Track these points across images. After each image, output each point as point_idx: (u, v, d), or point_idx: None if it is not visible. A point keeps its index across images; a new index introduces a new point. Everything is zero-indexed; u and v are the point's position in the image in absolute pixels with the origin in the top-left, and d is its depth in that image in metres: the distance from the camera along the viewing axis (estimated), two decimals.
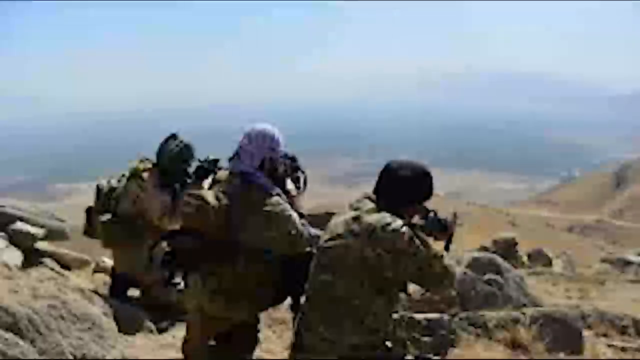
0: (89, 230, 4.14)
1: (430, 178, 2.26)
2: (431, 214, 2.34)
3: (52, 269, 4.97)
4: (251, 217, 2.39)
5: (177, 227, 2.54)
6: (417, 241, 2.07)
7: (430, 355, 3.52)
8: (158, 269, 2.58)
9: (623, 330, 4.76)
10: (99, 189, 4.06)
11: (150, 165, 3.96)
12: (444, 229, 2.33)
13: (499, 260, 4.86)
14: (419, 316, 3.72)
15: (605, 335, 4.60)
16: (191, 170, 3.63)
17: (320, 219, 2.91)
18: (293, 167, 2.77)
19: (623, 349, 4.30)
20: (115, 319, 3.48)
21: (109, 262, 5.42)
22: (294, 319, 2.50)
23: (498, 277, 4.57)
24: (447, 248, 2.31)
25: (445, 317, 3.79)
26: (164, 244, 2.50)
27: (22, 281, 3.32)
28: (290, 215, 2.45)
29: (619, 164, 77.95)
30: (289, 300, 2.67)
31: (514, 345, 3.63)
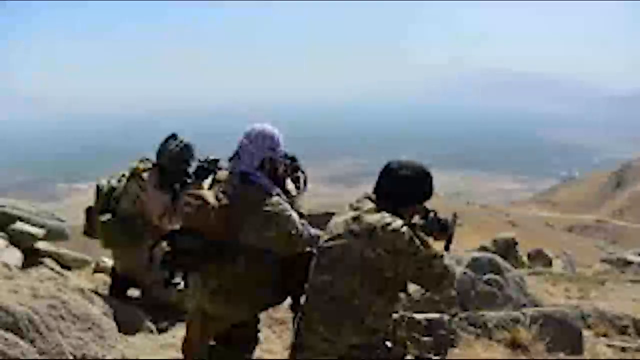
0: (89, 230, 4.13)
1: (431, 178, 2.26)
2: (431, 214, 2.34)
3: (52, 269, 4.96)
4: (251, 217, 2.39)
5: (177, 227, 2.54)
6: (417, 241, 2.07)
7: (430, 355, 3.52)
8: (158, 269, 2.58)
9: (623, 330, 4.76)
10: (99, 189, 4.06)
11: (150, 165, 3.96)
12: (444, 229, 2.33)
13: (499, 260, 4.85)
14: (419, 316, 3.71)
15: (605, 335, 4.60)
16: (191, 170, 3.63)
17: (320, 219, 2.92)
18: (293, 167, 2.78)
19: (623, 349, 4.30)
20: (115, 319, 3.48)
21: (109, 262, 5.41)
22: (294, 319, 2.50)
23: (498, 277, 4.56)
24: (447, 248, 2.31)
25: (445, 317, 3.79)
26: (164, 244, 2.50)
27: (22, 281, 3.32)
28: (290, 215, 2.45)
29: (619, 164, 77.90)
30: (289, 300, 2.67)
31: (514, 345, 3.63)
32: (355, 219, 2.12)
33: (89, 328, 3.05)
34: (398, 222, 2.06)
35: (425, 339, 3.60)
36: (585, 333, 4.25)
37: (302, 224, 2.50)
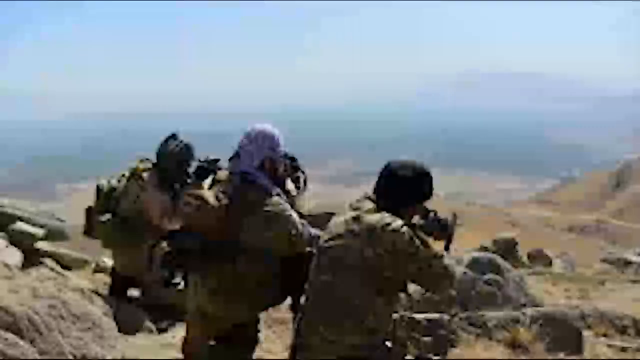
0: (89, 230, 4.13)
1: (431, 178, 2.26)
2: (431, 214, 2.34)
3: (52, 269, 4.97)
4: (251, 217, 2.39)
5: (177, 227, 2.54)
6: (417, 241, 2.07)
7: (430, 355, 3.52)
8: (158, 269, 2.59)
9: (623, 330, 4.77)
10: (99, 189, 4.06)
11: (150, 165, 3.97)
12: (444, 229, 2.33)
13: (499, 260, 4.86)
14: (419, 316, 3.72)
15: (605, 335, 4.60)
16: (191, 170, 3.64)
17: (320, 219, 2.91)
18: (293, 167, 2.78)
19: (623, 349, 4.30)
20: (115, 319, 3.48)
21: (109, 262, 5.42)
22: (294, 319, 2.50)
23: (498, 277, 4.57)
24: (447, 248, 2.31)
25: (445, 317, 3.79)
26: (164, 244, 2.50)
27: (22, 281, 3.32)
28: (290, 215, 2.45)
29: (619, 164, 77.85)
30: (289, 300, 2.67)
31: (514, 345, 3.64)
32: (355, 219, 2.12)
33: (89, 328, 3.05)
34: (398, 222, 2.06)
35: (425, 339, 3.60)
36: (585, 333, 4.26)
37: (302, 224, 2.50)
